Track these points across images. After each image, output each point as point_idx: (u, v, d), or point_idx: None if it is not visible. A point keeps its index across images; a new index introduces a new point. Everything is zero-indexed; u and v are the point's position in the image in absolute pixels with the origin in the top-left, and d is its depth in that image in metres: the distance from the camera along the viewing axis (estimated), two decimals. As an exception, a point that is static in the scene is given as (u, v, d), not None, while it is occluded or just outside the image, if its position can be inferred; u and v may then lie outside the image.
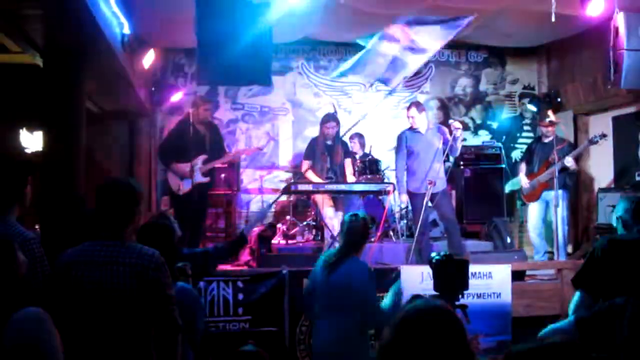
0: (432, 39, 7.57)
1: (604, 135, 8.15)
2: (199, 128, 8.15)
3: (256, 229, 7.66)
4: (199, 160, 8.01)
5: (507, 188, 9.90)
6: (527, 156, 8.79)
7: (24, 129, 9.90)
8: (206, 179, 8.06)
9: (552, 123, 8.40)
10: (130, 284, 3.19)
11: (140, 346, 3.25)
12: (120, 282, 3.19)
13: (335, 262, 4.72)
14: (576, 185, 9.97)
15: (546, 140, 8.45)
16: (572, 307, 3.86)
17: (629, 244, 3.81)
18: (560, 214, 8.01)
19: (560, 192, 8.06)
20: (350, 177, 8.45)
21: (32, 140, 9.87)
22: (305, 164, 8.24)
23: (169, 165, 8.09)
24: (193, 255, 4.78)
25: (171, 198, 8.31)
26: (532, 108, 10.62)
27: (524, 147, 10.36)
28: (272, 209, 10.04)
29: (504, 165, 9.97)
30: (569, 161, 7.99)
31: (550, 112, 8.60)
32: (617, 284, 3.55)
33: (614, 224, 4.16)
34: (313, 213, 9.07)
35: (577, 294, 3.82)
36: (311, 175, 8.13)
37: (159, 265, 3.26)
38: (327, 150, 8.20)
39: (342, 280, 4.64)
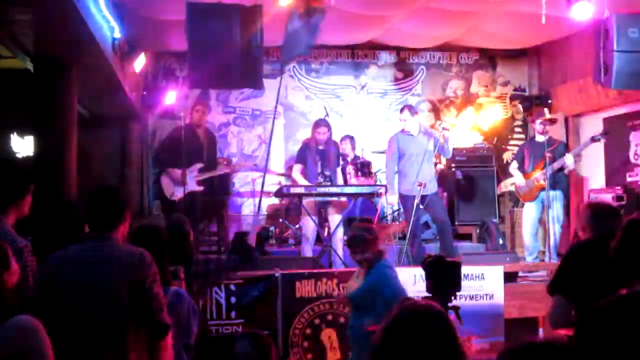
0: None
1: (605, 133, 8.14)
2: (198, 133, 8.12)
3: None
4: (195, 168, 7.95)
5: (501, 189, 9.91)
6: (520, 155, 8.65)
7: (15, 133, 9.87)
8: (200, 188, 7.99)
9: (550, 121, 8.34)
10: (117, 282, 3.20)
11: (130, 344, 3.25)
12: (108, 280, 3.20)
13: None
14: (568, 186, 10.01)
15: (540, 140, 8.29)
16: (551, 312, 3.87)
17: (591, 244, 3.88)
18: (555, 215, 8.01)
19: (558, 192, 8.06)
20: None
21: (23, 145, 9.83)
22: (297, 168, 8.19)
23: (165, 170, 8.04)
24: (206, 261, 4.80)
25: (163, 203, 8.26)
26: (520, 107, 10.68)
27: (516, 148, 10.35)
28: (264, 212, 10.04)
29: (495, 167, 9.99)
30: (570, 159, 7.94)
31: (546, 110, 8.57)
32: (587, 285, 3.60)
33: (579, 231, 4.24)
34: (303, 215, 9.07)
35: (554, 300, 3.84)
36: (301, 180, 8.06)
37: (146, 264, 3.27)
38: (319, 155, 8.16)
39: None
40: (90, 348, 3.20)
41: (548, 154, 7.95)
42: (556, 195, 8.08)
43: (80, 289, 3.21)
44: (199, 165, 8.01)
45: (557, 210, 8.08)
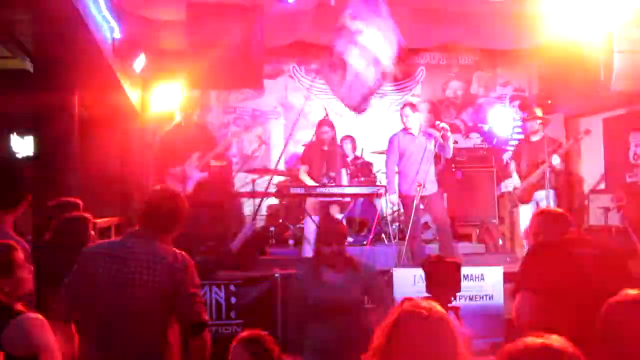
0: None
1: (587, 132, 8.24)
2: (187, 130, 8.12)
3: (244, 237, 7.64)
4: (193, 157, 7.97)
5: (501, 189, 9.92)
6: (517, 156, 8.72)
7: (15, 133, 9.88)
8: (204, 174, 8.03)
9: (541, 119, 8.40)
10: (160, 281, 3.28)
11: (164, 340, 3.33)
12: (150, 279, 3.28)
13: None
14: (567, 187, 10.00)
15: (534, 140, 8.41)
16: (514, 308, 3.91)
17: (548, 244, 4.03)
18: None
19: (550, 192, 8.09)
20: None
21: (22, 145, 9.84)
22: (302, 169, 8.19)
23: (166, 173, 8.05)
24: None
25: None
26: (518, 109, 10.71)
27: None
28: (265, 212, 10.04)
29: (495, 168, 9.99)
30: (556, 160, 7.98)
31: (538, 110, 8.60)
32: (550, 279, 3.70)
33: (532, 237, 4.35)
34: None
35: (519, 297, 3.87)
36: (308, 181, 8.06)
37: (187, 265, 3.37)
38: (324, 155, 8.15)
39: None
40: (127, 343, 3.25)
41: (541, 155, 8.06)
42: (548, 195, 8.14)
43: (120, 282, 3.27)
44: (197, 154, 8.01)
45: None
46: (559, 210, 4.50)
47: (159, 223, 3.42)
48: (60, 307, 3.28)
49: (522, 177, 8.46)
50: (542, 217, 4.27)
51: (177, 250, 3.43)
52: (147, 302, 3.25)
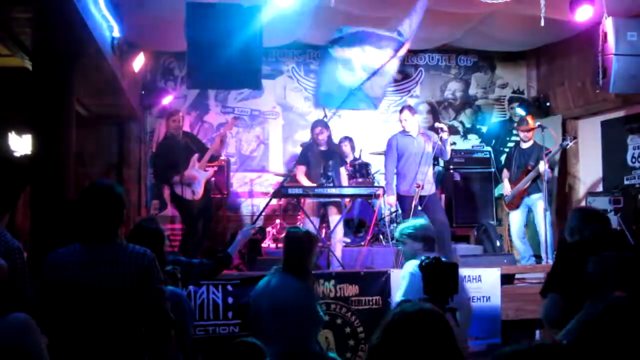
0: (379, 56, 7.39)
1: (574, 138, 8.37)
2: (179, 139, 8.11)
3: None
4: (194, 161, 7.99)
5: (496, 192, 9.94)
6: (508, 163, 8.83)
7: (13, 132, 9.86)
8: (209, 172, 8.09)
9: (530, 129, 8.48)
10: (124, 283, 3.21)
11: (133, 343, 3.27)
12: (114, 281, 3.21)
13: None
14: (565, 189, 10.02)
15: (524, 146, 8.56)
16: (544, 310, 3.90)
17: (583, 244, 4.00)
18: (538, 221, 8.16)
19: (539, 199, 8.17)
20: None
21: (21, 144, 9.82)
22: (300, 170, 8.17)
23: (171, 182, 8.06)
24: (189, 264, 4.81)
25: (180, 206, 8.21)
26: (520, 112, 10.66)
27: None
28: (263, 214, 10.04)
29: (493, 169, 10.00)
30: (542, 166, 8.04)
31: (529, 118, 8.67)
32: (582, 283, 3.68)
33: (566, 235, 4.32)
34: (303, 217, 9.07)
35: (547, 299, 3.87)
36: (305, 182, 8.04)
37: (151, 262, 3.30)
38: (322, 156, 8.14)
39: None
40: (95, 347, 3.20)
41: (531, 162, 8.25)
42: (536, 202, 8.19)
43: (86, 289, 3.20)
44: (196, 156, 8.05)
45: (539, 215, 8.17)
46: (596, 208, 4.45)
47: (108, 220, 3.34)
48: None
49: (512, 183, 8.55)
50: (577, 214, 4.22)
51: (138, 246, 3.35)
52: (117, 304, 3.20)
